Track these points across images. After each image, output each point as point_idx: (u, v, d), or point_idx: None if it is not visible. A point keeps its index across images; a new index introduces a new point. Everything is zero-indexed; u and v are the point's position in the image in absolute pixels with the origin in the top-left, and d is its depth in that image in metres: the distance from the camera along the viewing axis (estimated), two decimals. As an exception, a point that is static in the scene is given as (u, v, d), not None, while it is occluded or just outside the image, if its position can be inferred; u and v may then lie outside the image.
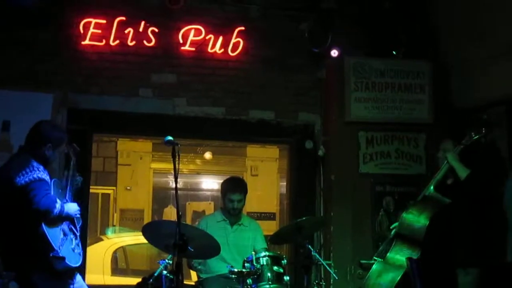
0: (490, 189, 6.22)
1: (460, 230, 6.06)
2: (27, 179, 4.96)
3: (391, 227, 6.56)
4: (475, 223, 6.07)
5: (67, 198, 5.39)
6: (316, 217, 7.76)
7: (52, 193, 5.07)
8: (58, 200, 5.04)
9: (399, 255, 6.04)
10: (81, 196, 5.89)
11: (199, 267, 6.57)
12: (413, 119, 8.05)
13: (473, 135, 6.12)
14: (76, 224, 5.42)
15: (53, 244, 4.94)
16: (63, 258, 5.00)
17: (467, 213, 6.06)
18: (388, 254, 6.13)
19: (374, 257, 6.29)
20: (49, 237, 4.93)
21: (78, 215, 5.40)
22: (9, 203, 5.02)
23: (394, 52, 8.12)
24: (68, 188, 5.50)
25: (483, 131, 6.11)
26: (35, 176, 4.99)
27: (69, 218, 5.27)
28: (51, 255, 4.93)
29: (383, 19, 8.02)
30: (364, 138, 7.97)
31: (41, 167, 5.11)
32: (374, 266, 6.14)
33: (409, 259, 5.73)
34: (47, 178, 5.11)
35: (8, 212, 5.04)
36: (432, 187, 6.19)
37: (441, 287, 6.04)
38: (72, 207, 5.30)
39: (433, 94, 8.08)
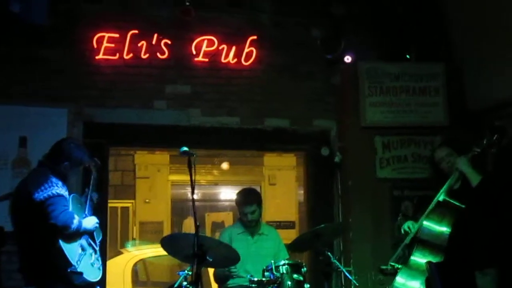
0: (505, 193, 6.15)
1: (476, 234, 6.01)
2: (45, 195, 4.99)
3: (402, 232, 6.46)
4: (490, 227, 6.02)
5: (86, 213, 5.42)
6: (334, 224, 7.73)
7: (70, 208, 5.09)
8: (76, 216, 5.06)
9: (423, 260, 5.99)
10: (99, 212, 5.90)
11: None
12: (428, 122, 8.03)
13: (485, 142, 6.04)
14: (96, 239, 5.45)
15: (70, 260, 4.96)
16: (80, 273, 5.02)
17: (482, 217, 6.01)
18: (410, 259, 6.08)
19: (391, 263, 6.21)
20: (66, 253, 4.95)
21: (97, 227, 5.42)
22: (27, 218, 5.06)
23: (407, 56, 8.11)
24: (88, 203, 5.52)
25: (495, 138, 6.02)
26: (53, 191, 5.02)
27: (88, 232, 5.30)
28: (68, 270, 4.95)
29: (395, 23, 8.02)
30: (380, 142, 7.95)
31: (60, 183, 5.14)
32: (398, 273, 6.08)
33: (429, 263, 5.69)
34: (65, 193, 5.14)
35: (27, 228, 5.08)
36: (445, 193, 6.12)
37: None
38: (90, 221, 5.33)
39: (447, 96, 8.05)
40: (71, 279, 4.99)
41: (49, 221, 4.91)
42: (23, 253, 5.15)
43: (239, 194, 6.94)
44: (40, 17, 7.05)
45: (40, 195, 4.99)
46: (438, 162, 6.38)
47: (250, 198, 6.79)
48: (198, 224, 4.98)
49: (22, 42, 7.44)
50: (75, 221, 5.02)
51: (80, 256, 5.10)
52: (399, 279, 5.98)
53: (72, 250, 5.04)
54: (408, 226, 6.20)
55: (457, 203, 5.96)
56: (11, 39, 7.39)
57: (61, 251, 4.94)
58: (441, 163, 6.35)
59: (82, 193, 5.76)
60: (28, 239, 5.08)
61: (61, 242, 4.96)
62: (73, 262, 4.97)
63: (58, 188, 5.07)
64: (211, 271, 7.00)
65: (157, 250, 9.71)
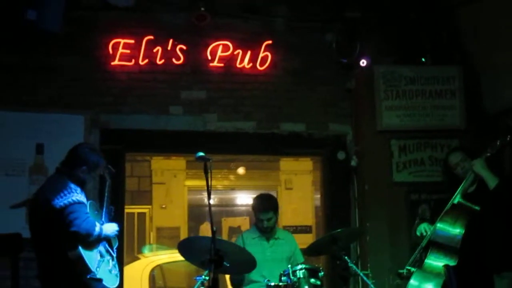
0: None
1: (492, 237, 5.98)
2: (65, 202, 4.99)
3: (417, 234, 6.41)
4: (506, 229, 5.99)
5: (103, 219, 5.43)
6: (351, 229, 7.68)
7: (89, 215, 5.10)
8: (97, 223, 5.08)
9: (437, 262, 5.96)
10: (116, 218, 5.91)
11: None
12: (445, 125, 7.98)
13: (498, 143, 6.00)
14: (113, 245, 5.46)
15: (90, 266, 4.97)
16: (100, 280, 5.04)
17: (497, 220, 5.98)
18: (425, 262, 6.05)
19: (407, 267, 6.18)
20: (86, 260, 4.96)
21: (116, 234, 5.45)
22: (46, 225, 5.06)
23: (423, 59, 8.08)
24: (104, 210, 5.53)
25: (509, 138, 5.98)
26: (73, 198, 5.02)
27: (106, 239, 5.31)
28: (88, 277, 4.96)
29: (409, 26, 7.99)
30: (396, 146, 7.92)
31: (78, 189, 5.15)
32: (412, 277, 6.05)
33: (446, 266, 5.66)
34: (84, 200, 5.15)
35: (46, 234, 5.09)
36: (460, 196, 6.09)
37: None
38: (110, 227, 5.35)
39: (464, 99, 8.02)
40: (90, 286, 5.00)
41: (71, 228, 4.91)
42: (41, 259, 5.16)
43: (256, 199, 6.88)
44: (56, 25, 7.06)
45: (60, 201, 4.99)
46: (453, 167, 6.37)
47: (266, 204, 6.72)
48: (214, 229, 4.96)
49: (38, 50, 7.48)
50: (97, 229, 5.05)
51: (99, 263, 5.11)
52: (413, 282, 5.95)
53: (91, 256, 5.05)
54: (424, 228, 6.18)
55: (472, 206, 5.93)
56: (26, 47, 7.43)
57: (80, 258, 4.95)
58: (455, 168, 6.34)
59: (98, 201, 5.77)
60: (47, 246, 5.08)
61: (81, 249, 4.97)
62: (93, 269, 4.98)
63: (78, 195, 5.08)
64: (227, 276, 6.97)
65: (174, 256, 9.72)
